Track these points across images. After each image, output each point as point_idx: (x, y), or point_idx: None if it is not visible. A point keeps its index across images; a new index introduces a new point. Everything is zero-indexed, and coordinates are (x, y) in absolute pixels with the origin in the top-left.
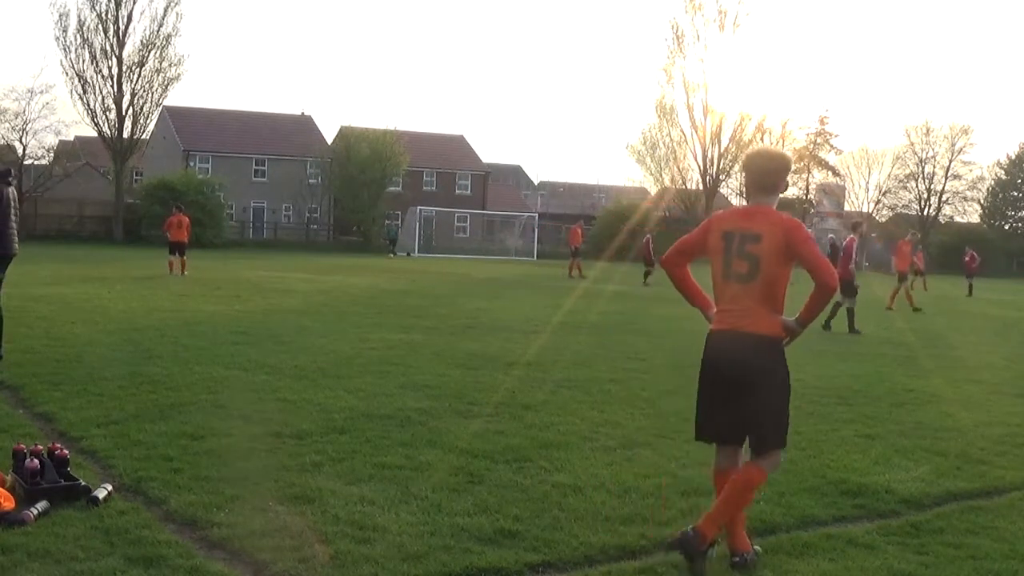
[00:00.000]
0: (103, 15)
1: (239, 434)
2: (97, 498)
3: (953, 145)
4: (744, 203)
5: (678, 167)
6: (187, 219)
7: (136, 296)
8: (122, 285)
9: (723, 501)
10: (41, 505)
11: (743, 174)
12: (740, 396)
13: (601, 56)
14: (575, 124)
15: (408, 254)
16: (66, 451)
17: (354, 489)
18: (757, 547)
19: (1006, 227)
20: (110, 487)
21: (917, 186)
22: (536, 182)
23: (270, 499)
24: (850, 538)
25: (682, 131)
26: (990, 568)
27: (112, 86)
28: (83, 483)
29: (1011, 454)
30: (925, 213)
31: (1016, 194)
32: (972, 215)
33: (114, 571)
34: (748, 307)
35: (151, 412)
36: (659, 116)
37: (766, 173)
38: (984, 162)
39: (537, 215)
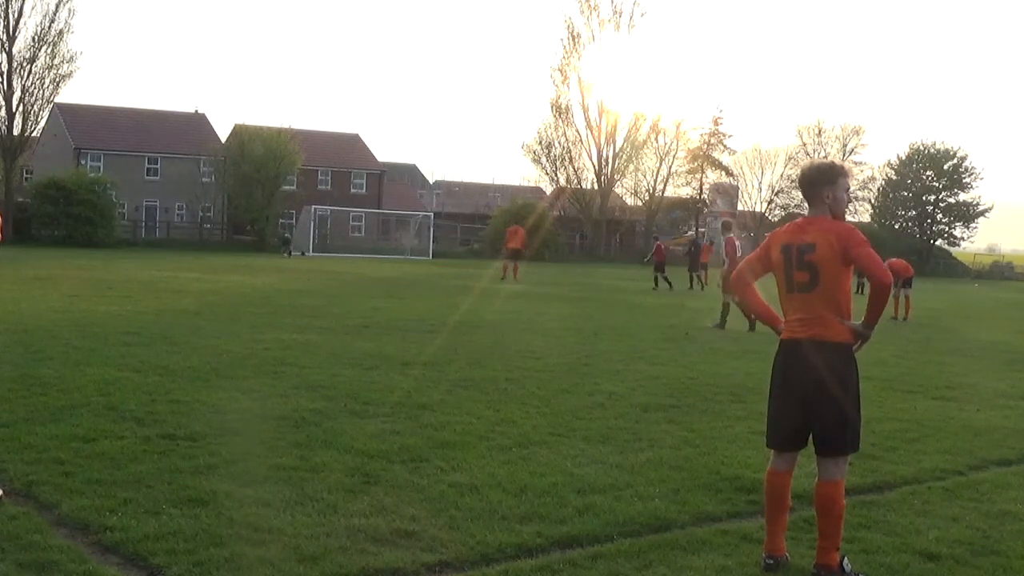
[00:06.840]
0: None
1: (131, 436)
2: None
3: (845, 145)
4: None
5: (573, 167)
6: None
7: (26, 297)
8: (11, 285)
9: (827, 525)
10: None
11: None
12: (814, 404)
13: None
14: (471, 124)
15: (303, 253)
16: None
17: (249, 491)
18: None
19: (896, 226)
20: (0, 492)
21: None
22: (432, 181)
23: (164, 502)
24: (744, 534)
25: (577, 131)
26: (882, 562)
27: (2, 82)
28: None
29: (901, 449)
30: None
31: (906, 194)
32: (863, 215)
33: None
34: (816, 315)
35: (42, 415)
36: (555, 116)
37: (810, 184)
38: (875, 162)
39: (432, 214)
